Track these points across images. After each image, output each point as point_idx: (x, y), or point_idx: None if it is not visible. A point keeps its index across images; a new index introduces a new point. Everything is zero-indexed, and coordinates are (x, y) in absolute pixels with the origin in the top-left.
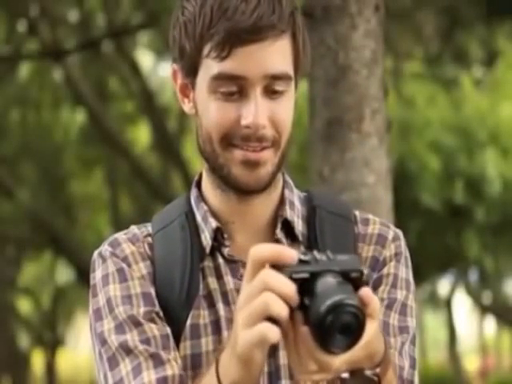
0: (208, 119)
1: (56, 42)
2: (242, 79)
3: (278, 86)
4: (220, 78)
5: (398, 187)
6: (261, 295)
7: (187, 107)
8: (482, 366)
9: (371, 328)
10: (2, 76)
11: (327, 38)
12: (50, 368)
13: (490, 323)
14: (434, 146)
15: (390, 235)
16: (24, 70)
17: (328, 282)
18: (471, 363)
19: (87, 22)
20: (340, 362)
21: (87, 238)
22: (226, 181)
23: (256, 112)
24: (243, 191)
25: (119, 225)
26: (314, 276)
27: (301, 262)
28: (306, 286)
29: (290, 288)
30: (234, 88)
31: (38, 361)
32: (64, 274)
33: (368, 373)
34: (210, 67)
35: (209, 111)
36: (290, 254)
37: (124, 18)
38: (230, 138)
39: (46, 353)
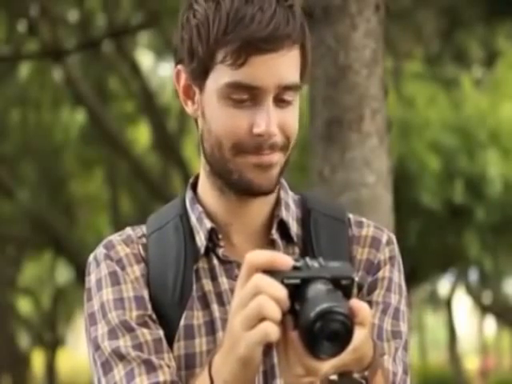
0: (218, 126)
1: (56, 41)
2: (256, 89)
3: (288, 96)
4: (234, 87)
5: (398, 187)
6: (255, 298)
7: (191, 109)
8: (482, 366)
9: (360, 334)
10: (2, 76)
11: (327, 38)
12: (50, 368)
13: (490, 323)
14: (434, 146)
15: (384, 238)
16: (24, 70)
17: (318, 288)
18: (471, 363)
19: (87, 22)
20: (327, 366)
21: (87, 238)
22: (234, 185)
23: (268, 120)
24: (254, 193)
25: (119, 225)
26: (305, 282)
27: (293, 267)
28: (297, 292)
29: (281, 292)
30: (246, 96)
31: (38, 361)
32: (64, 273)
33: (356, 375)
34: (223, 73)
35: (219, 118)
36: (284, 260)
37: (124, 18)
38: (242, 146)
39: (46, 353)
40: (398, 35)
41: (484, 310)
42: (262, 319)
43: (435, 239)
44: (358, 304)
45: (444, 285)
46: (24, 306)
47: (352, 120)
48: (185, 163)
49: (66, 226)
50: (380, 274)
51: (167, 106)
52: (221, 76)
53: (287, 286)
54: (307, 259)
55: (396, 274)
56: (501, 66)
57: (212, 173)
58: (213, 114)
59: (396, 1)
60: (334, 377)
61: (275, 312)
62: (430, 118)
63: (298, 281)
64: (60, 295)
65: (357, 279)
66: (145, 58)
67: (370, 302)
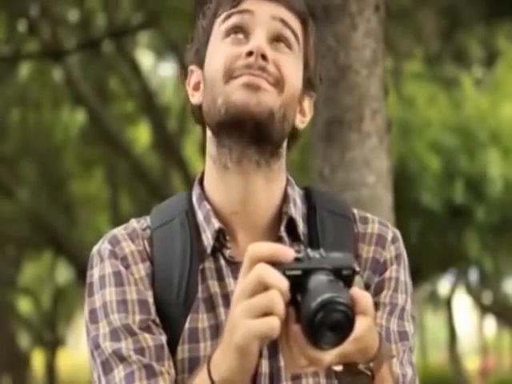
0: (215, 64)
1: (56, 41)
2: (250, 14)
3: (284, 48)
4: (229, 17)
5: (399, 187)
6: (267, 292)
7: (197, 99)
8: (482, 366)
9: (363, 324)
10: (2, 76)
11: (327, 37)
12: (51, 368)
13: (490, 323)
14: (435, 146)
15: (390, 236)
16: (24, 69)
17: (320, 279)
18: (471, 363)
19: (87, 22)
20: (330, 358)
21: (87, 238)
22: (223, 123)
23: (258, 39)
24: (241, 117)
25: (119, 225)
26: (307, 273)
27: (294, 259)
28: (298, 283)
29: (283, 284)
30: (241, 35)
31: (38, 361)
32: (64, 273)
33: (361, 367)
34: (220, 20)
35: (217, 56)
36: (286, 253)
37: (124, 18)
38: (233, 71)
39: (47, 353)
40: (398, 35)
41: (484, 309)
42: (268, 313)
43: (435, 239)
44: (358, 293)
45: (444, 285)
46: (24, 306)
47: (352, 120)
48: (185, 163)
49: (66, 226)
50: (387, 274)
51: (167, 105)
52: (219, 24)
53: (289, 277)
54: (308, 250)
55: (402, 273)
56: (501, 66)
57: (213, 135)
58: (212, 59)
59: (396, 1)
60: (338, 368)
61: (282, 308)
62: (430, 117)
63: (299, 272)
64: (60, 295)
65: (358, 269)
66: (145, 58)
67: (376, 303)
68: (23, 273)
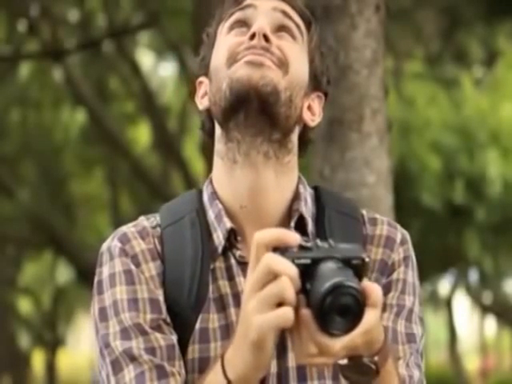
0: (218, 55)
1: (56, 41)
2: (252, 8)
3: (287, 37)
4: (232, 14)
5: (399, 187)
6: (277, 280)
7: (205, 101)
8: (482, 366)
9: (373, 316)
10: (2, 76)
11: (327, 37)
12: (51, 368)
13: (491, 323)
14: (435, 146)
15: (398, 238)
16: (24, 69)
17: (329, 266)
18: (471, 363)
19: (87, 21)
20: (340, 345)
21: (87, 238)
22: (230, 106)
23: (260, 23)
24: (245, 89)
25: (119, 225)
26: (316, 262)
27: (303, 248)
28: (307, 272)
29: (292, 270)
30: (245, 29)
31: (38, 361)
32: (64, 273)
33: (366, 360)
34: (224, 21)
35: (219, 50)
36: (292, 236)
37: (124, 18)
38: (236, 54)
39: (47, 353)
40: (398, 35)
41: (484, 309)
42: (280, 303)
43: (435, 239)
44: (369, 285)
45: (444, 285)
46: (24, 306)
47: (352, 120)
48: (185, 163)
49: (66, 226)
50: (394, 275)
51: (167, 105)
52: (223, 25)
53: (298, 265)
54: (317, 240)
55: (410, 274)
56: (501, 66)
57: (221, 142)
58: (216, 53)
59: (396, 1)
60: (343, 361)
61: (293, 294)
62: (430, 118)
63: (308, 261)
64: (60, 295)
65: (367, 259)
66: (145, 58)
67: (384, 305)
68: (23, 273)
